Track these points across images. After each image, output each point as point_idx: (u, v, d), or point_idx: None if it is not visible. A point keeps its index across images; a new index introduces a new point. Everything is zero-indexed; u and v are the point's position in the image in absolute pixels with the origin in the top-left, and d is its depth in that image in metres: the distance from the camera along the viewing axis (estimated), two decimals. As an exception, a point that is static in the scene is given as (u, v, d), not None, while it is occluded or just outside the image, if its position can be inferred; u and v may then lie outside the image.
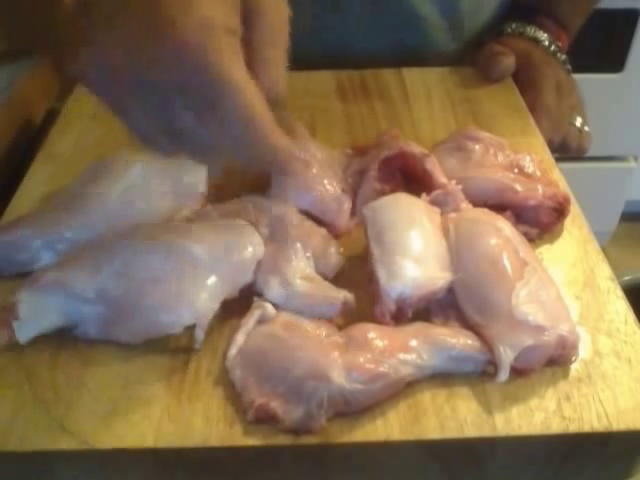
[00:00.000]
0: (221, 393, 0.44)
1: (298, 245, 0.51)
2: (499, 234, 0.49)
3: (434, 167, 0.57)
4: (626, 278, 1.06)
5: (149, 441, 0.42)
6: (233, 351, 0.45)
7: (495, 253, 0.48)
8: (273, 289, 0.49)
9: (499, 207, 0.54)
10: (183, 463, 0.43)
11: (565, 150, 0.76)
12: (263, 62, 0.40)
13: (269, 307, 0.47)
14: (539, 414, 0.43)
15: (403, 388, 0.44)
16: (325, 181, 0.58)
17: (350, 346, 0.44)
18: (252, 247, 0.49)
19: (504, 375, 0.44)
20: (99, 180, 0.55)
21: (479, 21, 0.82)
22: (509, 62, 0.74)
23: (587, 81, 0.83)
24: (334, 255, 0.52)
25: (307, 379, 0.42)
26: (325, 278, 0.51)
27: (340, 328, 0.47)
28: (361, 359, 0.43)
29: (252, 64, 0.39)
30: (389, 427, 0.42)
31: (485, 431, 0.42)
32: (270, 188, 0.56)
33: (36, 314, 0.46)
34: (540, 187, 0.56)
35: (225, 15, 0.38)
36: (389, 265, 0.47)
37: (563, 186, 0.59)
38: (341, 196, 0.58)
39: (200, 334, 0.46)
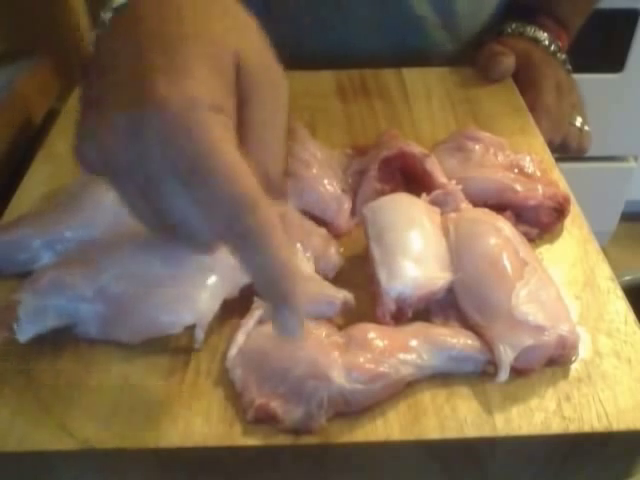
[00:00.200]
0: (221, 393, 0.44)
1: (298, 245, 0.51)
2: (499, 234, 0.49)
3: (434, 167, 0.57)
4: (626, 278, 1.06)
5: (149, 441, 0.42)
6: (233, 351, 0.45)
7: (495, 253, 0.48)
8: (273, 289, 0.49)
9: (499, 207, 0.54)
10: (183, 463, 0.43)
11: (565, 150, 0.76)
12: (258, 143, 0.38)
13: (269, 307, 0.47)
14: (539, 414, 0.43)
15: (403, 388, 0.44)
16: (325, 181, 0.58)
17: (350, 346, 0.44)
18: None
19: (504, 375, 0.44)
20: (99, 180, 0.55)
21: (479, 21, 0.83)
22: (509, 62, 0.74)
23: (587, 81, 0.83)
24: (334, 255, 0.52)
25: (307, 379, 0.42)
26: (325, 278, 0.51)
27: (340, 328, 0.47)
28: (361, 359, 0.43)
29: (247, 145, 0.37)
30: (389, 427, 0.42)
31: (485, 431, 0.42)
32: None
33: (36, 314, 0.46)
34: (540, 187, 0.56)
35: (214, 89, 0.36)
36: (389, 265, 0.47)
37: (563, 186, 0.59)
38: (341, 196, 0.58)
39: (200, 334, 0.46)
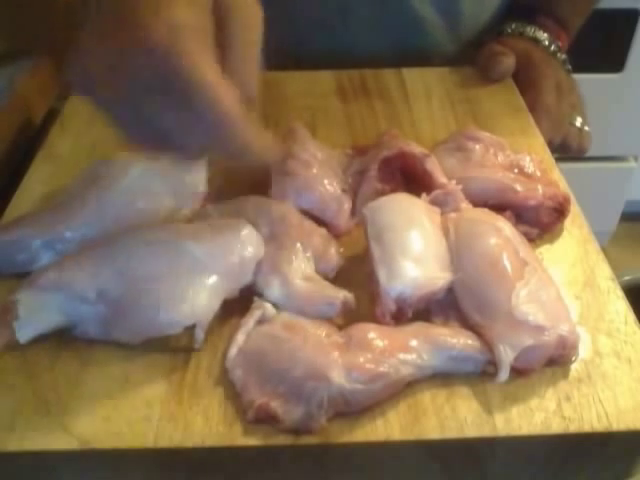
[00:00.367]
0: (221, 393, 0.44)
1: (298, 245, 0.51)
2: (499, 234, 0.49)
3: (434, 167, 0.57)
4: (626, 278, 1.06)
5: (149, 441, 0.42)
6: (233, 351, 0.45)
7: (495, 253, 0.48)
8: (273, 289, 0.49)
9: (499, 207, 0.54)
10: (183, 463, 0.43)
11: (565, 150, 0.76)
12: (235, 60, 0.41)
13: (269, 307, 0.48)
14: (539, 414, 0.43)
15: (403, 388, 0.44)
16: (325, 181, 0.58)
17: (350, 346, 0.44)
18: (252, 247, 0.49)
19: (504, 375, 0.44)
20: (99, 180, 0.55)
21: (479, 21, 0.82)
22: (509, 62, 0.74)
23: (587, 81, 0.83)
24: (334, 255, 0.52)
25: (307, 379, 0.42)
26: (325, 278, 0.51)
27: (340, 328, 0.47)
28: (361, 359, 0.43)
29: (224, 63, 0.40)
30: (389, 427, 0.42)
31: (485, 431, 0.42)
32: (270, 188, 0.56)
33: (36, 314, 0.46)
34: (540, 187, 0.56)
35: (194, 15, 0.39)
36: (389, 265, 0.47)
37: (563, 186, 0.59)
38: (341, 196, 0.58)
39: (200, 334, 0.46)
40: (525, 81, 0.74)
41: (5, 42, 0.80)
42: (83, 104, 0.71)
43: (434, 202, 0.54)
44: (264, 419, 0.42)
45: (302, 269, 0.50)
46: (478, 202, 0.55)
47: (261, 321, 0.47)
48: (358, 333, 0.45)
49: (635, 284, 1.03)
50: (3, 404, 0.44)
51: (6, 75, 0.77)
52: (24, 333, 0.46)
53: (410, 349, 0.44)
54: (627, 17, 1.48)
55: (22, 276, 0.49)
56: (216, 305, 0.47)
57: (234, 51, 0.41)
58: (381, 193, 0.56)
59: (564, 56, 0.79)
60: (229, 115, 0.39)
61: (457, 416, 0.43)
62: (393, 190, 0.57)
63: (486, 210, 0.53)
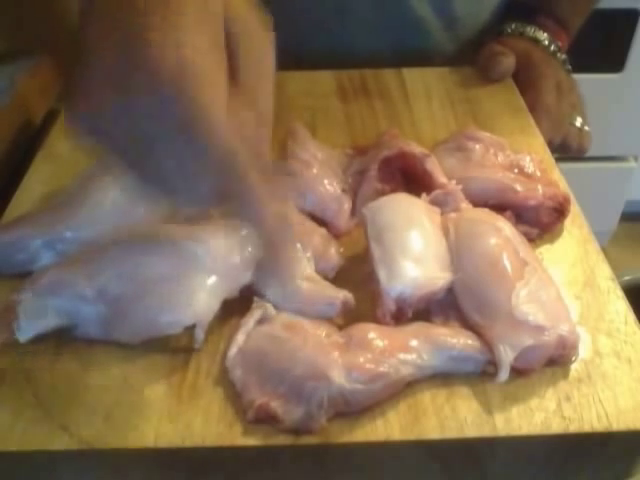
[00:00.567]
0: (221, 393, 0.44)
1: (298, 245, 0.51)
2: (499, 234, 0.49)
3: (434, 167, 0.57)
4: (626, 278, 1.06)
5: (149, 441, 0.42)
6: (233, 351, 0.45)
7: (495, 253, 0.48)
8: (273, 289, 0.49)
9: (499, 207, 0.54)
10: (183, 463, 0.43)
11: (565, 150, 0.76)
12: (248, 92, 0.38)
13: (269, 307, 0.48)
14: (539, 414, 0.43)
15: (403, 388, 0.44)
16: (325, 181, 0.58)
17: (350, 346, 0.44)
18: (252, 247, 0.49)
19: (504, 375, 0.44)
20: (99, 180, 0.55)
21: (479, 21, 0.82)
22: (509, 62, 0.74)
23: (587, 81, 0.83)
24: (334, 255, 0.52)
25: (307, 379, 0.42)
26: (325, 278, 0.51)
27: (340, 328, 0.47)
28: (361, 359, 0.43)
29: (238, 95, 0.38)
30: (389, 427, 0.42)
31: (485, 431, 0.42)
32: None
33: (36, 314, 0.46)
34: (540, 187, 0.56)
35: (207, 53, 0.36)
36: (389, 265, 0.47)
37: (563, 186, 0.59)
38: (341, 196, 0.58)
39: (200, 334, 0.46)
40: (525, 81, 0.74)
41: (5, 42, 0.80)
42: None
43: (434, 202, 0.54)
44: (264, 419, 0.42)
45: (302, 269, 0.50)
46: (478, 202, 0.55)
47: (261, 321, 0.47)
48: (358, 333, 0.45)
49: (635, 284, 1.03)
50: (3, 404, 0.44)
51: (6, 75, 0.77)
52: (24, 333, 0.46)
53: (410, 349, 0.44)
54: (627, 17, 1.48)
55: (22, 276, 0.49)
56: (216, 305, 0.47)
57: (247, 82, 0.38)
58: (381, 193, 0.56)
59: (564, 56, 0.79)
60: (234, 164, 0.37)
61: (457, 416, 0.43)
62: (393, 190, 0.57)
63: (486, 210, 0.53)
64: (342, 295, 0.48)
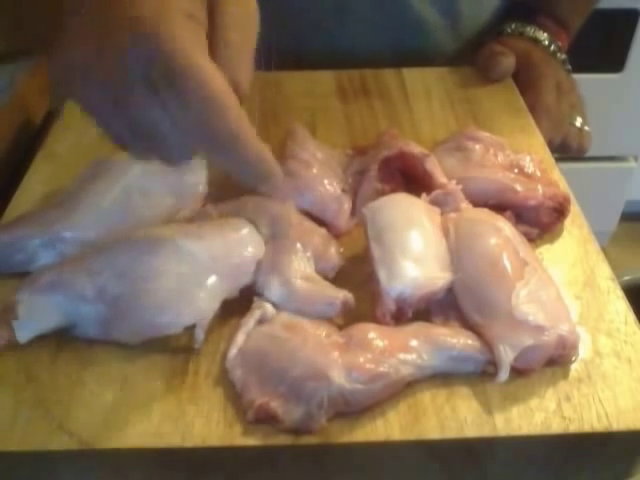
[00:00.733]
0: (221, 393, 0.44)
1: (298, 245, 0.51)
2: (499, 234, 0.49)
3: (434, 167, 0.57)
4: (626, 278, 1.06)
5: (149, 441, 0.42)
6: (233, 351, 0.45)
7: (495, 253, 0.48)
8: (273, 289, 0.49)
9: (499, 207, 0.54)
10: (183, 463, 0.43)
11: (565, 150, 0.76)
12: (225, 46, 0.38)
13: (269, 307, 0.48)
14: (539, 414, 0.43)
15: (403, 388, 0.44)
16: (325, 181, 0.58)
17: (350, 346, 0.44)
18: (252, 247, 0.49)
19: (504, 375, 0.44)
20: (99, 180, 0.55)
21: (479, 21, 0.83)
22: (509, 62, 0.74)
23: (587, 81, 0.83)
24: (334, 255, 0.52)
25: (307, 379, 0.42)
26: (325, 278, 0.51)
27: (340, 328, 0.47)
28: (361, 359, 0.43)
29: (214, 49, 0.38)
30: (389, 427, 0.42)
31: (485, 431, 0.42)
32: (270, 188, 0.56)
33: (36, 314, 0.46)
34: (540, 187, 0.56)
35: (186, 1, 0.37)
36: (389, 265, 0.47)
37: (563, 186, 0.59)
38: (341, 196, 0.58)
39: (200, 334, 0.46)
40: (525, 81, 0.74)
41: (5, 42, 0.80)
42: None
43: (434, 202, 0.54)
44: (264, 419, 0.42)
45: (302, 269, 0.50)
46: (478, 202, 0.55)
47: (261, 321, 0.47)
48: (358, 333, 0.45)
49: (635, 284, 1.03)
50: (3, 404, 0.44)
51: (6, 75, 0.77)
52: (24, 333, 0.46)
53: (410, 349, 0.44)
54: (627, 17, 1.48)
55: (22, 276, 0.49)
56: (216, 305, 0.47)
57: (224, 36, 0.38)
58: (381, 193, 0.56)
59: (564, 56, 0.79)
60: (216, 100, 0.36)
61: (457, 416, 0.43)
62: (393, 190, 0.57)
63: (486, 210, 0.53)
64: (342, 295, 0.48)
